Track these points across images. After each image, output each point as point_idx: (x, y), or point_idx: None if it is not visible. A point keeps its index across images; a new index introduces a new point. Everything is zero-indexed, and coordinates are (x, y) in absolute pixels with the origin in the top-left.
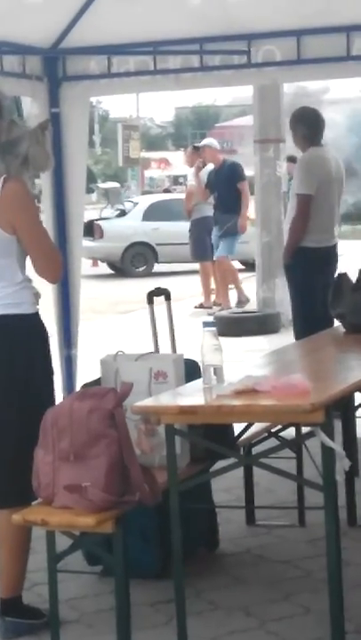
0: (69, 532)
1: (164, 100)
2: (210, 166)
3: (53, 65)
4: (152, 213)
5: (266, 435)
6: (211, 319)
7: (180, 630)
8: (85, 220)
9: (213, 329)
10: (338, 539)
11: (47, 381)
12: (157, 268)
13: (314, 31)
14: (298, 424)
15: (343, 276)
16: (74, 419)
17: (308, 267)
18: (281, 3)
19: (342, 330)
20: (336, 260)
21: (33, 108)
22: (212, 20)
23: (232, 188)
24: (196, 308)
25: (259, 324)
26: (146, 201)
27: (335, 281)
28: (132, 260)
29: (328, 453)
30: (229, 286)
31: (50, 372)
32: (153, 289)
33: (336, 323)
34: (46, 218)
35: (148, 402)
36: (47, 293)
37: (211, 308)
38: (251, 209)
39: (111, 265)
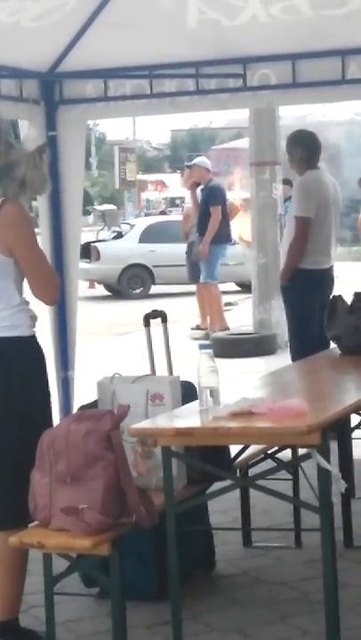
0: (66, 555)
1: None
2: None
3: (50, 88)
4: (149, 235)
5: (262, 456)
6: (206, 341)
7: None
8: (82, 242)
9: (210, 351)
10: (334, 560)
11: (44, 404)
12: (154, 289)
13: (309, 55)
14: (294, 446)
15: (338, 298)
16: (70, 441)
17: (304, 288)
18: (276, 27)
19: (338, 352)
20: (332, 283)
21: (30, 131)
22: (208, 44)
23: (207, 210)
24: (192, 329)
25: (255, 346)
26: (142, 223)
27: (330, 303)
28: (129, 282)
29: (324, 475)
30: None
31: (47, 395)
32: (149, 311)
33: (332, 344)
34: (43, 240)
35: (144, 424)
36: (44, 315)
37: (207, 329)
38: (247, 231)
39: (108, 287)
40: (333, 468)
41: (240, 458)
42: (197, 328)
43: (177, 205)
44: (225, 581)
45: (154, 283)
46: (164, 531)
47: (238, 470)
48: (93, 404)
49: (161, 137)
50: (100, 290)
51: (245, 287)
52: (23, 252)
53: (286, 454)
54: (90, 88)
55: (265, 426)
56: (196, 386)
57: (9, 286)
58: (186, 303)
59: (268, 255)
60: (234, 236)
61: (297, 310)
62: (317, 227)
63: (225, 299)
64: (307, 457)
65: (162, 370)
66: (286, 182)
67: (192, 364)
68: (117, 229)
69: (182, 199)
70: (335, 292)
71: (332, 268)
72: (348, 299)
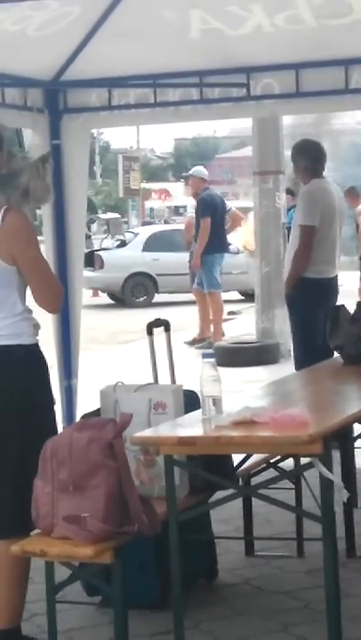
0: (68, 563)
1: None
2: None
3: (54, 97)
4: (152, 244)
5: (265, 465)
6: (209, 350)
7: None
8: (86, 251)
9: (212, 360)
10: (336, 570)
11: (47, 412)
12: (158, 298)
13: (312, 64)
14: (296, 455)
15: (341, 307)
16: (73, 449)
17: (309, 297)
18: (280, 37)
19: (341, 361)
20: (337, 292)
21: (34, 140)
22: (212, 53)
23: (199, 222)
24: (195, 338)
25: (258, 355)
26: (146, 231)
27: (333, 312)
28: (133, 291)
29: (327, 484)
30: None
31: (50, 403)
32: (152, 320)
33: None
34: (47, 248)
35: (147, 432)
36: (47, 323)
37: (209, 338)
38: (250, 240)
39: (111, 295)
40: (336, 477)
41: (242, 467)
42: (193, 341)
43: (181, 214)
44: (227, 590)
45: (157, 291)
46: (166, 539)
47: (240, 479)
48: (96, 413)
49: (165, 146)
50: (104, 298)
51: (249, 296)
52: (26, 261)
53: (289, 463)
54: (94, 97)
55: (267, 435)
56: (199, 394)
57: (12, 295)
58: (189, 312)
59: (272, 264)
60: (237, 244)
61: (301, 319)
62: (322, 235)
63: (228, 307)
64: (309, 466)
65: (165, 378)
66: (289, 192)
67: (195, 372)
68: (121, 238)
69: (186, 208)
70: (340, 302)
71: (336, 277)
72: (351, 308)
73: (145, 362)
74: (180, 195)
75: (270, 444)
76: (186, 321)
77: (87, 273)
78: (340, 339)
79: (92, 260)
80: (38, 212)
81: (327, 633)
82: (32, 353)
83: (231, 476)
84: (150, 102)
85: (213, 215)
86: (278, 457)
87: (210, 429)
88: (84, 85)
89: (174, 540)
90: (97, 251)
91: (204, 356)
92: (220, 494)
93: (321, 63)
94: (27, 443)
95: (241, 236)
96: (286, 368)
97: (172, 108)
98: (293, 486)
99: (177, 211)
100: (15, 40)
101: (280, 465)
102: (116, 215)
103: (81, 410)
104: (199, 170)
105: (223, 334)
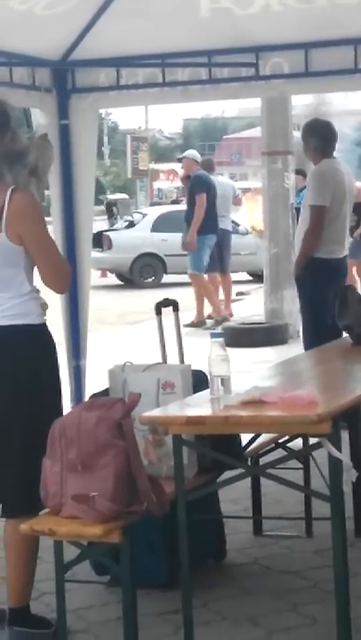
0: (77, 542)
1: (172, 112)
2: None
3: (63, 77)
4: (161, 224)
5: (273, 445)
6: (218, 330)
7: None
8: (94, 231)
9: (221, 340)
10: (345, 549)
11: (54, 391)
12: (166, 278)
13: (322, 44)
14: (305, 435)
15: (349, 287)
16: (82, 429)
17: (319, 278)
18: (289, 16)
19: (350, 341)
20: (346, 272)
21: (42, 120)
22: (221, 32)
23: (192, 200)
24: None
25: (267, 336)
26: (154, 212)
27: (341, 293)
28: (141, 271)
29: (335, 464)
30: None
31: (57, 383)
32: (161, 300)
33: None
34: (55, 229)
35: (155, 412)
36: (56, 304)
37: (224, 318)
38: (259, 220)
39: (120, 276)
40: (344, 457)
41: (251, 447)
42: (208, 317)
43: None
44: (236, 570)
45: (166, 272)
46: (174, 519)
47: (249, 459)
48: (105, 393)
49: (173, 126)
50: (112, 279)
51: (257, 277)
52: (33, 241)
53: (297, 443)
54: (102, 76)
55: (276, 414)
56: (208, 374)
57: (19, 274)
58: None
59: (280, 245)
60: (245, 225)
61: (311, 300)
62: (332, 216)
63: (237, 288)
64: (318, 446)
65: (173, 358)
66: (299, 172)
67: (203, 352)
68: (129, 218)
69: None
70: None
71: (346, 257)
72: (360, 288)
73: (153, 342)
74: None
75: (279, 424)
76: (194, 301)
77: (95, 254)
78: (348, 319)
79: (100, 240)
80: (47, 192)
81: (336, 612)
82: (39, 332)
83: (240, 455)
84: (159, 82)
85: (209, 192)
86: (287, 437)
87: (218, 409)
88: (92, 65)
89: (182, 519)
90: (105, 231)
91: (213, 335)
92: (228, 474)
93: (330, 42)
94: (35, 422)
95: (249, 217)
96: (295, 349)
97: (180, 87)
98: (302, 466)
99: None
100: (23, 19)
101: (289, 445)
102: (125, 196)
103: (90, 390)
104: (192, 152)
105: (229, 315)
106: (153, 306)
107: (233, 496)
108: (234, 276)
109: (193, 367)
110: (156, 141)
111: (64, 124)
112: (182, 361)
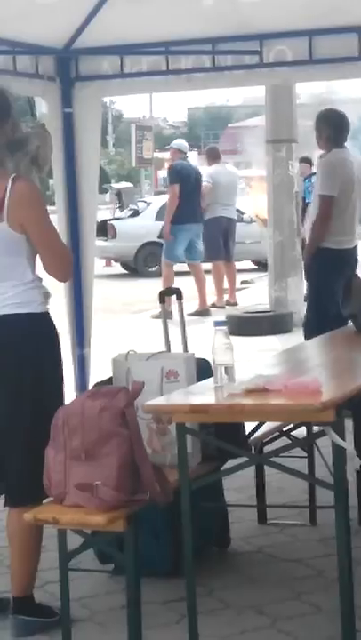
0: (81, 531)
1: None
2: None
3: (66, 65)
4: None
5: (277, 434)
6: (221, 318)
7: (192, 629)
8: (98, 220)
9: (225, 328)
10: (349, 538)
11: (57, 380)
12: None
13: (325, 31)
14: (309, 423)
15: (355, 276)
16: (85, 417)
17: (327, 268)
18: (293, 3)
19: (354, 329)
20: (356, 262)
21: (45, 109)
22: (225, 20)
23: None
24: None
25: (271, 324)
26: (159, 201)
27: (346, 282)
28: (145, 260)
29: (339, 452)
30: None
31: (59, 371)
32: (165, 288)
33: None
34: (59, 217)
35: (159, 401)
36: (60, 293)
37: (223, 307)
38: (263, 209)
39: (124, 265)
40: (348, 445)
41: (255, 435)
42: (213, 306)
43: None
44: (240, 558)
45: None
46: (178, 507)
47: (253, 447)
48: (108, 381)
49: (178, 115)
50: (117, 268)
51: (262, 265)
52: (35, 229)
53: (301, 432)
54: (106, 65)
55: (280, 403)
56: (211, 363)
57: (21, 263)
58: None
59: (284, 233)
60: (250, 213)
61: (318, 289)
62: (342, 206)
63: (242, 277)
64: (321, 434)
65: (177, 347)
66: (305, 160)
67: (207, 341)
68: (134, 207)
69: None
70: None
71: (355, 247)
72: None
73: (157, 331)
74: (194, 164)
75: (283, 412)
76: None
77: (100, 242)
78: (353, 307)
79: (104, 229)
80: (51, 181)
81: (340, 600)
82: (42, 321)
83: (244, 444)
84: (163, 70)
85: (183, 183)
86: (291, 425)
87: (222, 397)
88: (95, 53)
89: (186, 508)
90: (110, 220)
91: (217, 324)
92: (232, 462)
93: (334, 30)
94: (38, 411)
95: (253, 205)
96: (299, 337)
97: (184, 75)
98: (306, 454)
99: None
100: (26, 7)
101: (293, 433)
102: (129, 184)
103: (93, 378)
104: (179, 142)
105: (234, 303)
106: (157, 294)
107: (237, 484)
108: (238, 265)
109: (197, 355)
110: (161, 130)
111: (68, 113)
112: (186, 349)
